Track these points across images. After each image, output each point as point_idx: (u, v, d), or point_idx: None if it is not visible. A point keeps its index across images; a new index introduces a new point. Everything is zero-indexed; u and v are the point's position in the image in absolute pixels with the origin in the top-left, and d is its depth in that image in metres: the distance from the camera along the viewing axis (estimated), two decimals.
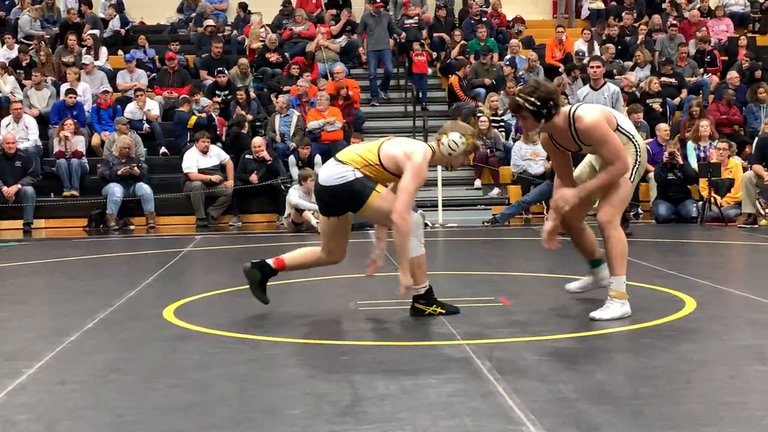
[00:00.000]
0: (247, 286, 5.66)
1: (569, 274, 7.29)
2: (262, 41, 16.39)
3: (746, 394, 3.63)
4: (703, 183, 11.85)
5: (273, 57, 16.00)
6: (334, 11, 17.72)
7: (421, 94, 15.75)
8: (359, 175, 5.14)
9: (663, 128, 13.29)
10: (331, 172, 5.22)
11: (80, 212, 12.86)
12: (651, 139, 13.63)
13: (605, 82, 10.26)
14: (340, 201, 5.21)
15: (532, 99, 4.97)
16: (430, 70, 16.20)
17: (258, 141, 13.01)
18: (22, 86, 14.87)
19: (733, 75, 15.35)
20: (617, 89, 10.31)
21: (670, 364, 4.13)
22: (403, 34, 16.52)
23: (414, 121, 14.70)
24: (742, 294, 6.09)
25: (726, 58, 17.02)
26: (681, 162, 12.05)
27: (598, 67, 10.22)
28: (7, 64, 15.23)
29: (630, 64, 16.10)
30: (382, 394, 3.67)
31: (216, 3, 18.52)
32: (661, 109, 14.66)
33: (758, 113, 14.58)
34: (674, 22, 17.37)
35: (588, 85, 10.29)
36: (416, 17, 16.96)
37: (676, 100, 15.19)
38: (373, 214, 5.22)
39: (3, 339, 5.04)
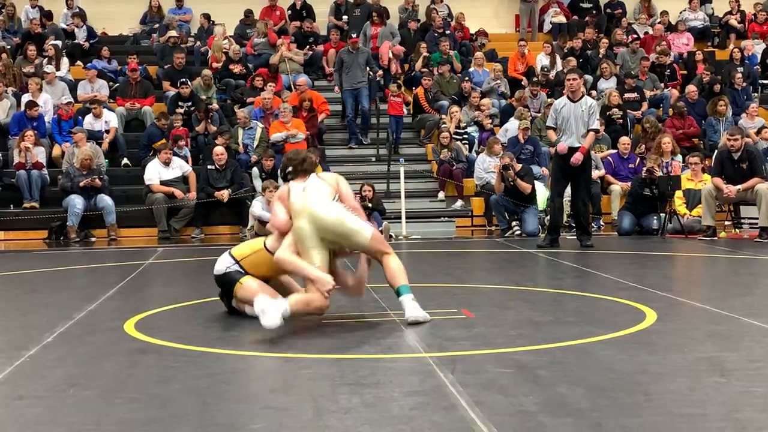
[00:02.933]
0: (209, 299, 5.63)
1: (532, 286, 7.35)
2: (225, 52, 16.33)
3: (705, 406, 3.66)
4: (679, 195, 11.96)
5: (237, 68, 15.96)
6: (297, 23, 17.72)
7: (394, 139, 14.85)
8: (235, 268, 5.83)
9: (625, 141, 13.44)
10: (218, 264, 5.92)
11: (40, 224, 12.71)
12: (613, 151, 13.78)
13: (583, 95, 10.31)
14: (222, 286, 5.95)
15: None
16: (405, 110, 15.40)
17: (219, 150, 12.95)
18: None
19: (691, 89, 15.58)
20: (594, 102, 10.43)
21: (630, 376, 4.16)
22: (380, 72, 16.07)
23: (389, 166, 14.09)
24: (701, 306, 6.16)
25: (685, 72, 17.26)
26: (659, 175, 12.01)
27: (574, 79, 10.25)
28: None
29: (590, 78, 16.27)
30: (345, 408, 3.67)
31: (180, 14, 18.44)
32: (621, 122, 14.83)
33: (717, 126, 14.81)
34: (635, 36, 17.58)
35: (566, 97, 10.32)
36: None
37: (637, 113, 15.36)
38: (242, 299, 5.81)
39: None
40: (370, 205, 12.01)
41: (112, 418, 3.60)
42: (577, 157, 10.02)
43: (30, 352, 4.86)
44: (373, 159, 15.05)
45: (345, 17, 17.55)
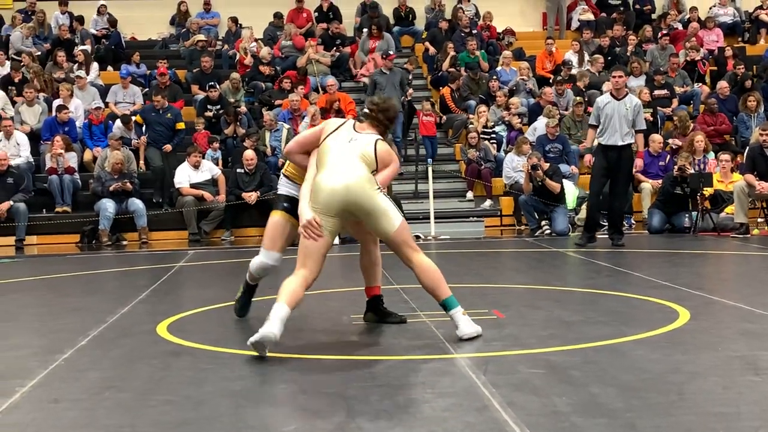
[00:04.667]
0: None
1: (562, 285, 7.32)
2: (253, 55, 16.41)
3: (739, 405, 3.64)
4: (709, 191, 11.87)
5: (266, 70, 16.04)
6: (324, 25, 17.77)
7: (430, 160, 13.92)
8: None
9: (656, 139, 13.32)
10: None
11: (72, 228, 12.82)
12: (643, 150, 13.68)
13: (627, 93, 10.17)
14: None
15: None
16: (436, 128, 14.74)
17: (249, 154, 13.01)
18: (14, 102, 14.86)
19: (723, 85, 15.44)
20: (639, 102, 10.27)
21: (663, 376, 4.14)
22: (410, 90, 15.24)
23: (416, 166, 14.07)
24: (734, 304, 6.10)
25: (716, 68, 17.11)
26: (689, 174, 11.90)
27: (620, 77, 10.09)
28: None
29: None
30: (377, 410, 3.67)
31: (207, 18, 18.55)
32: (652, 119, 14.73)
33: (749, 122, 14.66)
34: (665, 32, 17.46)
35: (609, 94, 10.18)
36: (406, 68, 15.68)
37: (667, 111, 15.25)
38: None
39: None
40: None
41: (147, 420, 3.64)
42: (640, 165, 9.93)
43: (65, 356, 4.91)
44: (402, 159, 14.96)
45: (365, 30, 17.32)
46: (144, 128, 13.93)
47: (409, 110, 15.13)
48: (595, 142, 10.20)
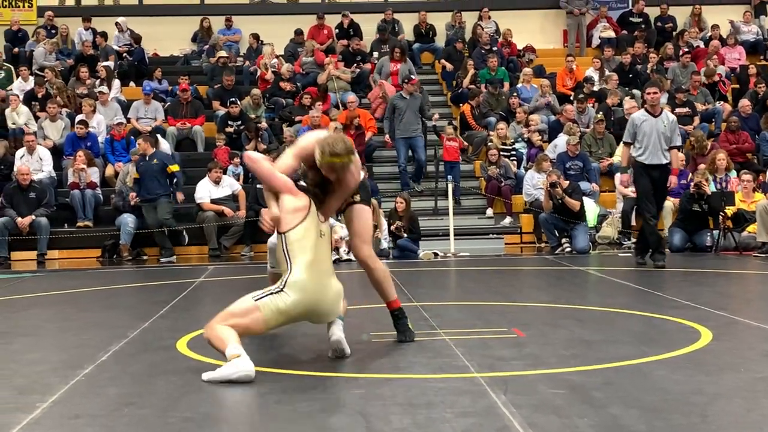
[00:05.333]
0: None
1: (583, 304, 7.28)
2: (274, 71, 16.49)
3: (763, 427, 3.60)
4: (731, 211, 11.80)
5: (287, 86, 16.11)
6: (345, 42, 17.84)
7: (454, 188, 13.52)
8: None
9: (680, 158, 13.20)
10: None
11: (94, 243, 12.90)
12: (678, 167, 13.61)
13: (662, 110, 9.99)
14: None
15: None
16: (461, 154, 14.50)
17: None
18: (37, 117, 14.99)
19: (744, 103, 15.36)
20: (675, 118, 10.08)
21: (686, 397, 4.10)
22: (437, 115, 15.06)
23: (437, 182, 14.03)
24: (757, 325, 6.04)
25: (738, 86, 17.03)
26: (708, 193, 11.86)
27: (655, 93, 9.90)
28: (21, 97, 15.36)
29: (639, 92, 16.13)
30: (397, 429, 3.66)
31: (229, 34, 18.66)
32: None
33: None
34: (686, 50, 17.41)
35: (644, 111, 10.00)
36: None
37: (689, 128, 15.17)
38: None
39: (15, 372, 5.04)
40: (400, 223, 11.95)
41: None
42: (674, 182, 9.81)
43: (85, 371, 4.92)
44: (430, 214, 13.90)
45: (375, 54, 17.36)
46: (139, 185, 12.83)
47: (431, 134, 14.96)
48: (641, 158, 9.93)
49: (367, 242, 5.51)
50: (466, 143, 14.86)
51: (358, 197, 5.48)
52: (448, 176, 13.73)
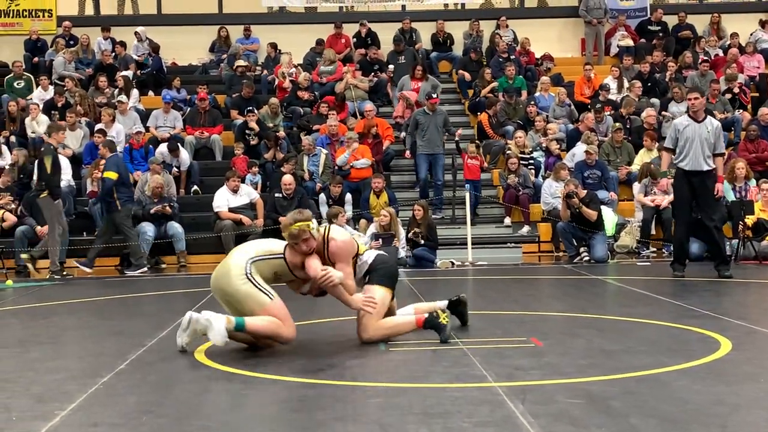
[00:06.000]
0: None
1: (602, 314, 7.24)
2: (291, 80, 16.54)
3: None
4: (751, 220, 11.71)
5: (305, 95, 16.15)
6: (363, 51, 17.87)
7: (468, 185, 13.47)
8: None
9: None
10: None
11: (112, 252, 12.94)
12: (723, 174, 13.53)
13: (707, 115, 9.76)
14: None
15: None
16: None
17: (288, 179, 13.08)
18: None
19: (764, 111, 15.25)
20: (719, 124, 9.83)
21: (706, 408, 4.07)
22: (460, 131, 14.54)
23: (454, 191, 13.77)
24: None
25: (757, 94, 16.94)
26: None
27: (696, 98, 9.62)
28: (41, 106, 15.47)
29: (657, 101, 16.08)
30: None
31: (247, 44, 18.73)
32: None
33: None
34: (705, 58, 17.33)
35: (687, 116, 9.79)
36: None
37: None
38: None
39: (34, 380, 5.06)
40: (418, 230, 11.93)
41: None
42: (721, 189, 9.66)
43: (104, 379, 4.94)
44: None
45: (391, 66, 17.21)
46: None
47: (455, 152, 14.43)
48: (682, 164, 9.83)
49: (365, 330, 5.81)
50: (486, 162, 14.57)
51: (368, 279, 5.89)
52: (466, 185, 13.67)
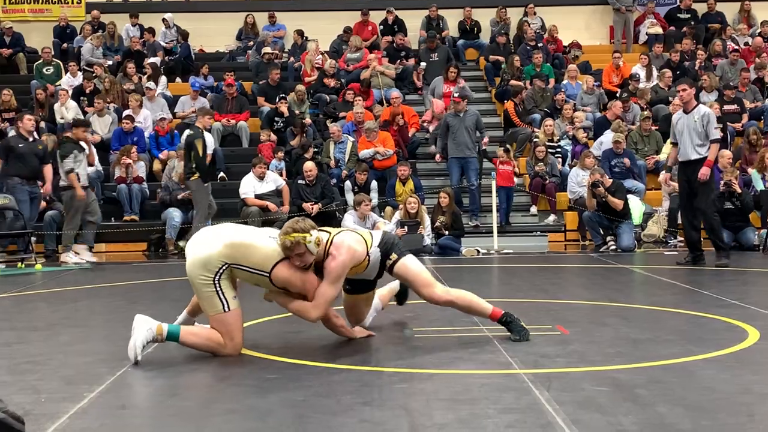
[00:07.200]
0: None
1: (629, 302, 7.21)
2: (318, 68, 16.55)
3: None
4: None
5: (331, 82, 16.15)
6: (389, 38, 17.83)
7: (494, 173, 13.06)
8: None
9: (726, 155, 13.03)
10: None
11: (140, 237, 13.04)
12: (712, 159, 13.42)
13: (696, 105, 9.78)
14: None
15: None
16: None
17: (309, 165, 13.10)
18: (85, 113, 15.18)
19: None
20: (708, 111, 9.79)
21: (733, 397, 4.05)
22: (486, 139, 13.83)
23: (480, 180, 13.38)
24: None
25: None
26: (739, 190, 11.75)
27: (684, 90, 9.69)
28: (69, 92, 15.57)
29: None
30: (439, 424, 3.66)
31: (273, 30, 18.75)
32: (722, 135, 14.45)
33: None
34: (735, 47, 17.15)
35: (682, 110, 9.84)
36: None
37: (737, 126, 14.96)
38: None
39: (64, 363, 5.12)
40: (443, 218, 11.88)
41: (211, 429, 3.67)
42: (704, 172, 9.59)
43: (132, 363, 4.98)
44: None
45: (423, 63, 16.90)
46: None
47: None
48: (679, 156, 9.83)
49: (429, 285, 5.39)
50: (518, 168, 14.03)
51: (394, 256, 5.39)
52: (492, 173, 13.54)
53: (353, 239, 5.29)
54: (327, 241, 5.22)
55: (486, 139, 13.82)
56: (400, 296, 6.27)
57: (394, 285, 6.13)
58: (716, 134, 9.71)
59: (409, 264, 5.41)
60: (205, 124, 12.34)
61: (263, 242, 5.15)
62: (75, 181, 11.45)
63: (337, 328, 5.49)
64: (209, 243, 5.16)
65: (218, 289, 5.11)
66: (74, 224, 11.67)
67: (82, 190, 11.50)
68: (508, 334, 5.46)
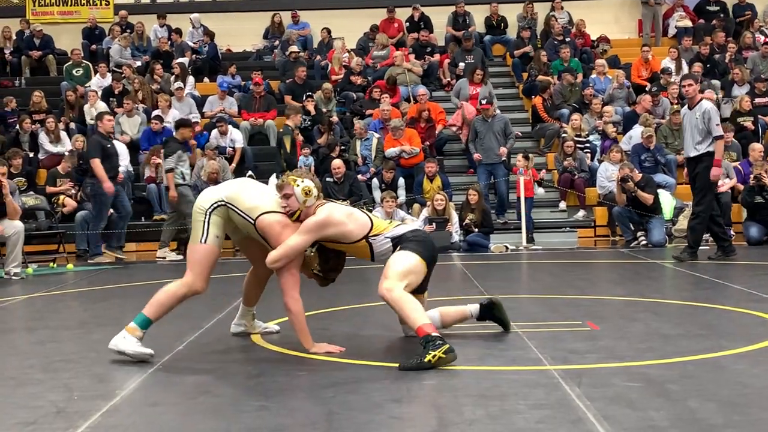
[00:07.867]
0: (334, 309, 5.69)
1: (660, 298, 7.16)
2: (345, 65, 16.56)
3: None
4: None
5: (357, 80, 16.16)
6: (415, 35, 17.81)
7: (522, 170, 12.79)
8: None
9: (757, 148, 12.92)
10: None
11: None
12: (743, 159, 13.32)
13: (700, 101, 9.71)
14: None
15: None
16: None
17: (337, 163, 13.11)
18: (114, 113, 15.29)
19: None
20: (709, 107, 9.64)
21: (765, 391, 4.01)
22: (503, 149, 13.47)
23: (508, 176, 13.34)
24: None
25: None
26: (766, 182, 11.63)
27: (689, 85, 9.68)
28: (99, 93, 15.70)
29: (718, 83, 15.79)
30: (469, 420, 3.65)
31: (297, 29, 18.79)
32: (753, 128, 14.33)
33: None
34: (765, 39, 16.97)
35: (687, 106, 9.87)
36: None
37: None
38: None
39: (96, 361, 5.16)
40: (472, 216, 11.84)
41: (241, 426, 3.68)
42: (715, 174, 9.48)
43: (162, 361, 5.02)
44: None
45: (461, 64, 16.73)
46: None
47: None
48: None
49: (386, 279, 5.00)
50: (538, 175, 13.75)
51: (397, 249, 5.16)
52: (520, 170, 13.42)
53: (344, 212, 5.20)
54: (317, 201, 5.20)
55: (504, 150, 13.46)
56: (503, 325, 5.67)
57: (467, 309, 5.61)
58: (718, 131, 9.53)
59: (395, 256, 5.12)
60: (295, 122, 13.04)
61: (261, 193, 5.29)
62: (171, 181, 11.77)
63: (300, 328, 5.20)
64: (219, 186, 5.45)
65: (206, 219, 5.21)
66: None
67: (174, 191, 11.80)
68: (539, 331, 5.44)
